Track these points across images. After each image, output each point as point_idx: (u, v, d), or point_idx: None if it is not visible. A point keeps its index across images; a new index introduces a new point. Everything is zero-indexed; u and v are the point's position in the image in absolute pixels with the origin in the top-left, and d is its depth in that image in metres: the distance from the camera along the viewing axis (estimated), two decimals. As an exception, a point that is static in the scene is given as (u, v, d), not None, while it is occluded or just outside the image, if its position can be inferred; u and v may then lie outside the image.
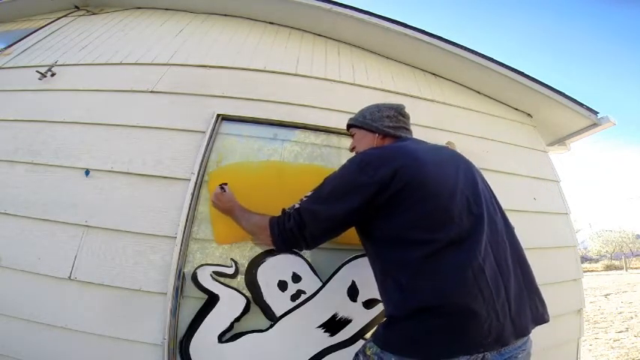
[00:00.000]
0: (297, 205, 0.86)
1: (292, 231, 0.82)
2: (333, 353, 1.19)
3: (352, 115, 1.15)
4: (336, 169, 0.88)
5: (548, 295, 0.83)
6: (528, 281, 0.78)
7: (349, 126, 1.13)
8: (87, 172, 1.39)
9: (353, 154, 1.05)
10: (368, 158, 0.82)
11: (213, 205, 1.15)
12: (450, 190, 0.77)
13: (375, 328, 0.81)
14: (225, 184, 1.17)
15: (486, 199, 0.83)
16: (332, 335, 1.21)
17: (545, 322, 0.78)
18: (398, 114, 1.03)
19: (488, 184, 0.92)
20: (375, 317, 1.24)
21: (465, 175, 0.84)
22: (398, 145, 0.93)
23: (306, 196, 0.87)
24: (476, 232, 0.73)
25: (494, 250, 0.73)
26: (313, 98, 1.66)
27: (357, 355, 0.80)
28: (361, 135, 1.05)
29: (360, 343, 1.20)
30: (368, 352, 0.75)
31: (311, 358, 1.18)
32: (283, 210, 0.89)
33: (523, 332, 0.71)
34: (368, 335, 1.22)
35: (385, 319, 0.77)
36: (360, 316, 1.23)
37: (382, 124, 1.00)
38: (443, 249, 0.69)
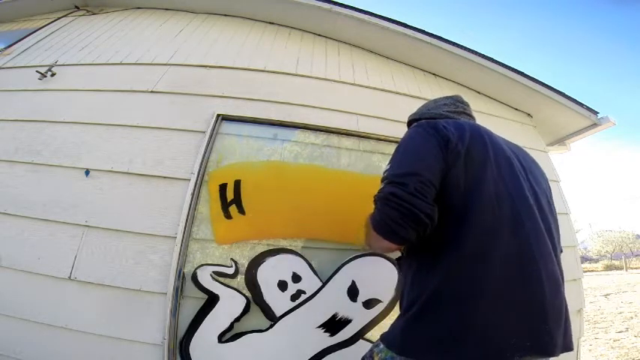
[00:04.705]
0: (381, 185, 0.71)
1: (394, 194, 0.64)
2: (333, 353, 1.20)
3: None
4: (401, 140, 0.80)
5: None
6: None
7: (409, 122, 1.07)
8: (87, 172, 1.40)
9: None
10: (432, 122, 0.77)
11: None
12: (512, 174, 0.72)
13: (386, 330, 0.73)
14: None
15: (546, 197, 0.79)
16: (332, 335, 1.21)
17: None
18: (455, 101, 0.98)
19: (547, 183, 0.86)
20: (375, 317, 1.24)
21: (528, 166, 0.81)
22: (458, 120, 0.87)
23: (385, 171, 0.74)
24: (532, 225, 0.67)
25: (548, 251, 0.68)
26: (313, 98, 1.66)
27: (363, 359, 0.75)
28: None
29: (360, 343, 1.21)
30: (376, 358, 0.69)
31: (311, 358, 1.18)
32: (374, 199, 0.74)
33: (569, 346, 0.65)
34: (368, 335, 1.23)
35: (400, 317, 0.70)
36: (360, 316, 1.23)
37: (440, 110, 0.95)
38: (494, 235, 0.63)
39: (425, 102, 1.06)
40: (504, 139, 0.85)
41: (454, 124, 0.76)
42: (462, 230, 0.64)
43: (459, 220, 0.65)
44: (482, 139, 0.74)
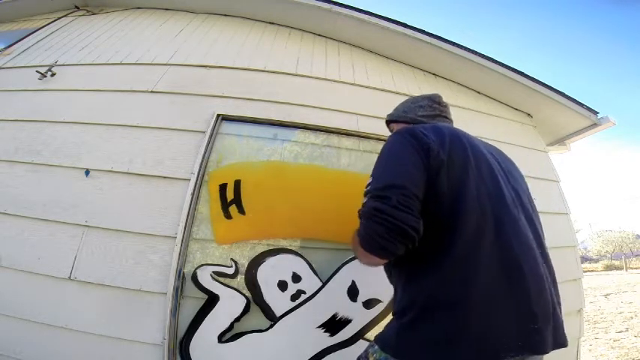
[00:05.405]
0: (365, 199, 0.69)
1: (378, 209, 0.62)
2: (333, 353, 1.20)
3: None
4: (381, 151, 0.79)
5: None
6: (557, 289, 0.73)
7: (387, 122, 1.10)
8: (87, 172, 1.40)
9: None
10: (410, 129, 0.76)
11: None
12: (493, 176, 0.73)
13: (381, 331, 0.74)
14: None
15: (526, 197, 0.80)
16: (332, 335, 1.21)
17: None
18: (432, 102, 0.99)
19: (526, 184, 0.88)
20: (375, 317, 1.24)
21: (507, 168, 0.82)
22: (435, 124, 0.86)
23: (366, 187, 0.72)
24: (515, 227, 0.68)
25: (534, 251, 0.69)
26: (313, 98, 1.66)
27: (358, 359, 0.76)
28: (398, 128, 1.00)
29: (361, 343, 1.21)
30: (371, 358, 0.70)
31: (311, 358, 1.18)
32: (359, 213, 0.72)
33: (561, 342, 0.66)
34: (368, 335, 1.23)
35: (394, 318, 0.71)
36: (360, 316, 1.24)
37: (416, 113, 0.97)
38: (478, 240, 0.64)
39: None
40: (481, 141, 0.86)
41: (432, 129, 0.76)
42: (450, 235, 0.65)
43: (446, 225, 0.65)
44: (462, 143, 0.74)
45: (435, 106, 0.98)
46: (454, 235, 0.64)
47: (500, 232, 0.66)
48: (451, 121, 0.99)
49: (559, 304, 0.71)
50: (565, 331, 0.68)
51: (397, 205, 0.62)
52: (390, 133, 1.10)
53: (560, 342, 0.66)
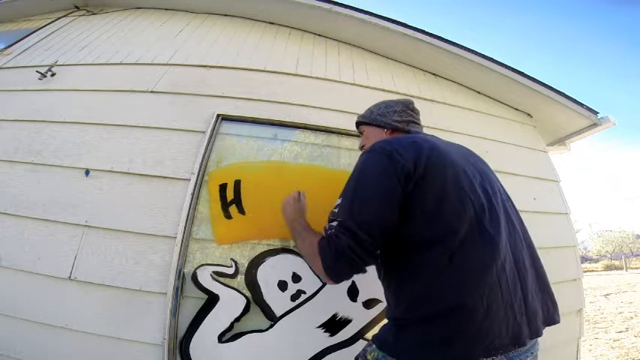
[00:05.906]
0: (335, 223, 0.72)
1: (351, 248, 0.67)
2: (333, 353, 1.20)
3: (356, 115, 1.14)
4: (354, 169, 0.80)
5: (548, 295, 0.83)
6: (542, 281, 0.76)
7: (358, 124, 1.10)
8: (87, 172, 1.40)
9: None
10: (386, 145, 0.76)
11: (282, 209, 1.00)
12: (469, 182, 0.74)
13: (378, 331, 0.75)
14: (303, 194, 1.04)
15: (502, 195, 0.82)
16: (332, 335, 1.21)
17: (556, 323, 0.75)
18: (406, 108, 0.99)
19: (500, 182, 0.89)
20: (375, 317, 1.24)
21: (481, 169, 0.83)
22: (410, 135, 0.88)
23: (336, 208, 0.75)
24: (496, 227, 0.70)
25: (513, 247, 0.72)
26: (313, 98, 1.66)
27: (356, 359, 0.78)
28: (370, 131, 1.02)
29: (361, 343, 1.21)
30: (369, 357, 0.72)
31: (311, 358, 1.19)
32: (325, 232, 0.75)
33: (537, 333, 0.69)
34: (368, 335, 1.23)
35: (389, 321, 0.73)
36: (360, 316, 1.24)
37: (391, 118, 0.97)
38: (463, 245, 0.66)
39: (380, 101, 1.08)
40: (455, 145, 0.88)
41: (409, 146, 0.75)
42: (441, 240, 0.67)
43: (433, 233, 0.68)
44: (439, 152, 0.75)
45: (409, 112, 0.99)
46: (443, 240, 0.67)
47: (484, 233, 0.68)
48: (422, 127, 1.00)
49: (551, 297, 0.76)
50: (540, 321, 0.71)
51: (369, 247, 0.68)
52: (356, 131, 1.12)
53: (535, 333, 0.68)
